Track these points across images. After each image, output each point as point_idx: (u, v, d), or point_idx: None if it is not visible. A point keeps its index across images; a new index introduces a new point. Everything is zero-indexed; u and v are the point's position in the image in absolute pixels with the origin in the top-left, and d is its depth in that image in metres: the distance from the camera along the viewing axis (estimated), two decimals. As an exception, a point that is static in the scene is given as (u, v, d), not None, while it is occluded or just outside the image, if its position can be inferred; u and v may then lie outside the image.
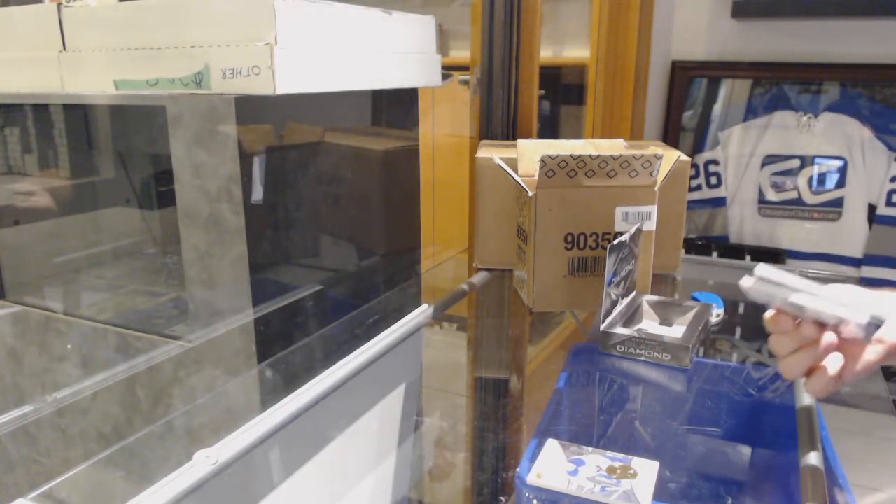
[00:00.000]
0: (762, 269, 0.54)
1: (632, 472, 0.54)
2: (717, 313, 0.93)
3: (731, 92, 1.40)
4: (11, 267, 1.02)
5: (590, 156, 0.82)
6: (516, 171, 0.95)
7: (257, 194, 0.80)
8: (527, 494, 0.53)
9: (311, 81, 0.76)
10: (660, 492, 0.52)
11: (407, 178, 1.08)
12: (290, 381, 0.75)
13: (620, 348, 0.76)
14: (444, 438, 0.78)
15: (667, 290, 1.02)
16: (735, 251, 1.41)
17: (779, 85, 1.36)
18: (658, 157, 0.83)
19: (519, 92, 1.26)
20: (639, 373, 0.75)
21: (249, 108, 0.77)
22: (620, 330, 0.77)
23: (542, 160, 0.81)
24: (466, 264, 1.17)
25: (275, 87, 0.71)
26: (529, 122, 1.30)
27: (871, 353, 0.52)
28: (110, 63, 0.79)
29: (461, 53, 1.54)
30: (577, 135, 1.51)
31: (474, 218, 1.05)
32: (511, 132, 1.28)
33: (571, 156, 0.82)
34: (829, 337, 0.52)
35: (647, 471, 0.54)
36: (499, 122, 1.26)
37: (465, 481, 0.72)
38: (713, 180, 1.42)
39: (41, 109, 1.02)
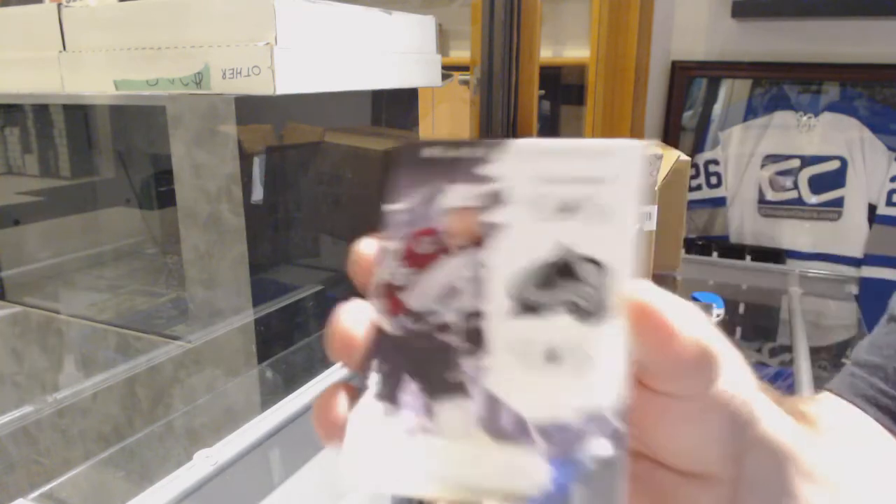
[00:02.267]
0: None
1: None
2: (717, 313, 0.93)
3: (731, 92, 1.40)
4: (11, 267, 1.02)
5: (590, 156, 0.82)
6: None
7: (257, 194, 0.80)
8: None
9: (311, 81, 0.76)
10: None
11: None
12: (290, 381, 0.75)
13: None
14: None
15: (667, 289, 1.02)
16: (735, 251, 1.40)
17: (779, 85, 1.36)
18: (658, 157, 0.83)
19: (519, 92, 1.26)
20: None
21: (249, 108, 0.77)
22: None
23: (543, 160, 0.81)
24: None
25: (275, 87, 0.71)
26: (529, 122, 1.30)
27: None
28: (110, 63, 0.78)
29: (461, 53, 1.54)
30: (577, 135, 1.51)
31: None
32: (511, 132, 1.27)
33: (571, 156, 0.82)
34: None
35: None
36: (499, 122, 1.26)
37: (465, 481, 0.72)
38: (713, 180, 1.42)
39: (41, 109, 1.02)
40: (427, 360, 0.21)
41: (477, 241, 0.21)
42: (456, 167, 0.22)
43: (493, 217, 0.21)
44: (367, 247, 0.22)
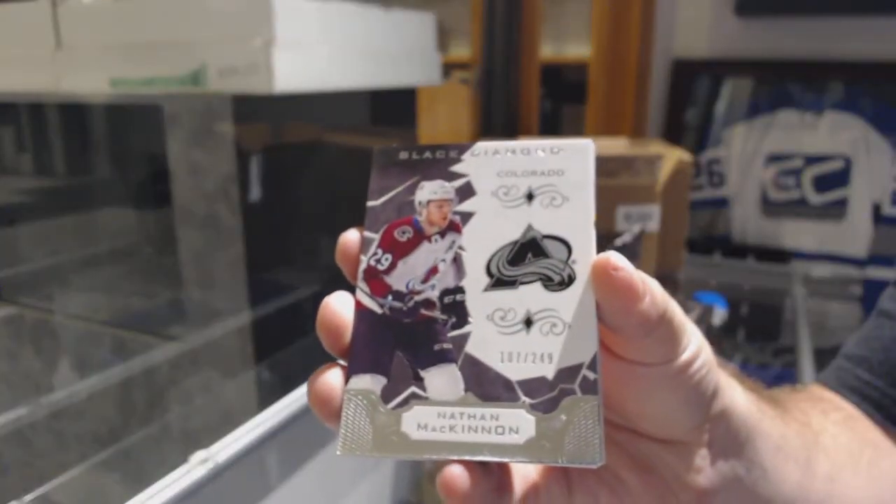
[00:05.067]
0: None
1: None
2: (720, 313, 0.92)
3: (735, 90, 1.39)
4: (6, 267, 1.02)
5: (591, 155, 0.81)
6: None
7: (255, 194, 0.79)
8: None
9: (310, 80, 0.75)
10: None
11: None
12: (288, 381, 0.74)
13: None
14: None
15: (669, 290, 1.01)
16: (738, 251, 1.39)
17: (782, 83, 1.35)
18: (660, 157, 0.82)
19: (520, 90, 1.25)
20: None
21: (247, 107, 0.77)
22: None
23: (543, 159, 0.81)
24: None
25: (272, 85, 0.70)
26: (530, 119, 1.29)
27: None
28: (106, 61, 0.78)
29: (461, 51, 1.53)
30: (579, 133, 1.50)
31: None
32: (512, 130, 1.27)
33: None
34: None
35: None
36: (499, 120, 1.25)
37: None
38: (716, 179, 1.41)
39: (36, 108, 1.02)
40: (413, 333, 0.23)
41: (452, 228, 0.24)
42: (430, 166, 0.24)
43: (466, 206, 0.24)
44: (351, 236, 0.24)
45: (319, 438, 0.73)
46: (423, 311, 0.23)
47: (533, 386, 0.21)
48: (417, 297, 0.23)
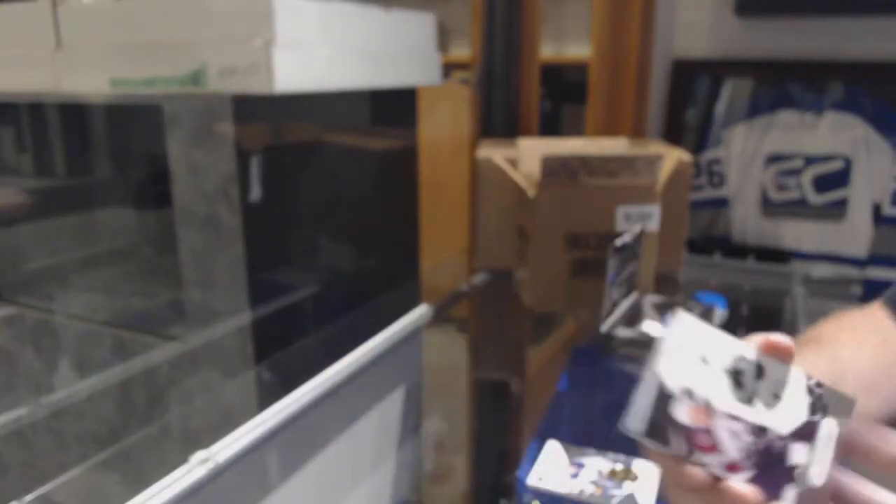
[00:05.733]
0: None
1: (633, 475, 0.53)
2: (720, 314, 0.92)
3: (735, 90, 1.39)
4: (6, 267, 1.02)
5: (591, 155, 0.82)
6: (517, 170, 0.94)
7: (255, 194, 0.79)
8: (527, 497, 0.53)
9: (310, 80, 0.75)
10: (662, 495, 0.51)
11: (405, 178, 1.08)
12: (288, 382, 0.74)
13: (622, 350, 0.76)
14: (444, 441, 0.77)
15: (669, 290, 1.01)
16: (738, 251, 1.39)
17: (782, 83, 1.35)
18: (660, 157, 0.82)
19: (520, 90, 1.25)
20: (641, 374, 0.74)
21: (247, 107, 0.77)
22: (622, 331, 0.76)
23: (544, 160, 0.81)
24: (466, 264, 1.16)
25: (272, 86, 0.70)
26: (530, 119, 1.29)
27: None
28: (106, 61, 0.78)
29: (462, 51, 1.53)
30: (579, 133, 1.50)
31: (474, 217, 1.04)
32: (512, 130, 1.27)
33: (573, 155, 0.81)
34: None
35: (649, 474, 0.53)
36: (499, 120, 1.25)
37: (464, 484, 0.72)
38: (716, 179, 1.41)
39: (36, 108, 1.02)
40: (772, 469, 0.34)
41: (712, 416, 0.34)
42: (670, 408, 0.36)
43: (709, 395, 0.34)
44: (744, 490, 0.33)
45: (319, 438, 0.73)
46: (779, 458, 0.34)
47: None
48: (773, 459, 0.34)
